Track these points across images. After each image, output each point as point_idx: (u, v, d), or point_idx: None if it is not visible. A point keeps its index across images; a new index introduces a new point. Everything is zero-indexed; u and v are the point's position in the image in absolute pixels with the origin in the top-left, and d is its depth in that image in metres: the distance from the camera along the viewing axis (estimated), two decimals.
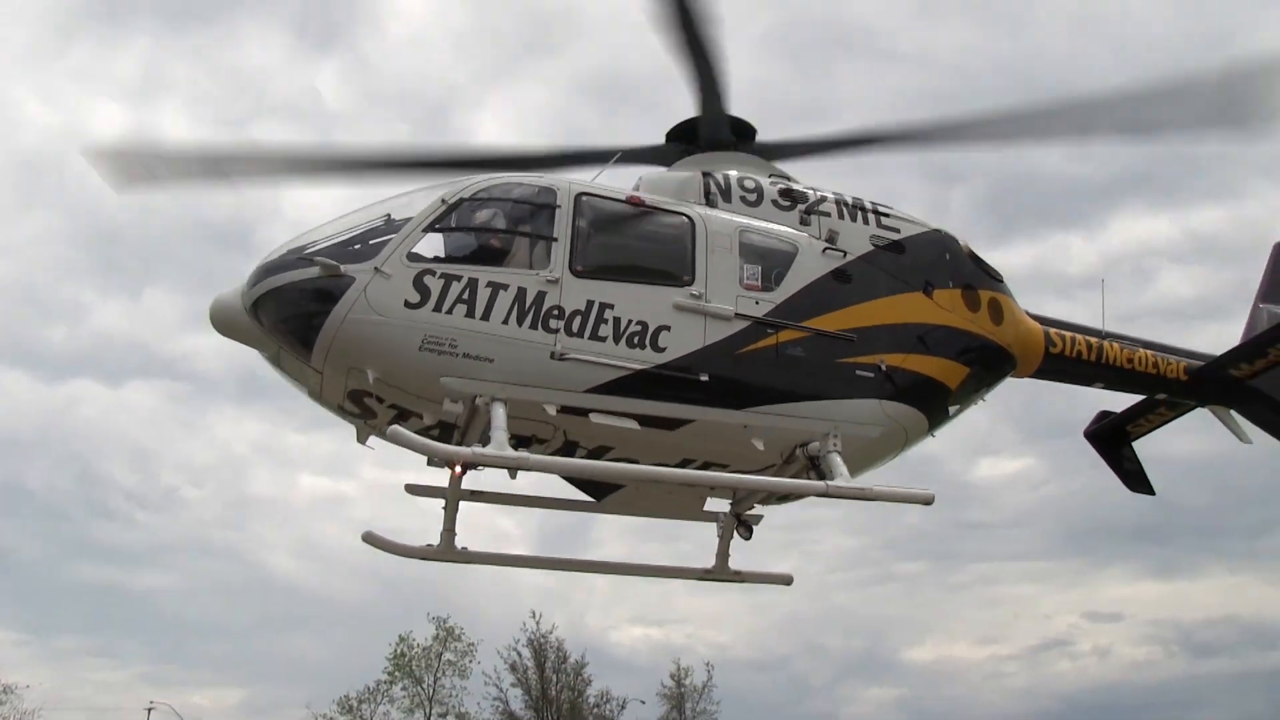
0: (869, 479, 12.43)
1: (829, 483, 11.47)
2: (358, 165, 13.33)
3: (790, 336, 11.99)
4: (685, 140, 13.83)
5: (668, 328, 11.48)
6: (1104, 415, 17.62)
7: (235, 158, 13.73)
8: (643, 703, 65.54)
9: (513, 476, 12.44)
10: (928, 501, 11.77)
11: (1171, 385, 15.95)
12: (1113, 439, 17.54)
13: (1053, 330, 14.93)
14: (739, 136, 13.76)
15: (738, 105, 13.52)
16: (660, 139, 14.11)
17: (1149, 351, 15.70)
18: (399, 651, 62.52)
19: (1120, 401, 16.95)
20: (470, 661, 62.36)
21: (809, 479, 11.79)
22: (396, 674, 62.49)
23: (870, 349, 12.40)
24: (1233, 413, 16.58)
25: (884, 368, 12.39)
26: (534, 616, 63.58)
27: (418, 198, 11.68)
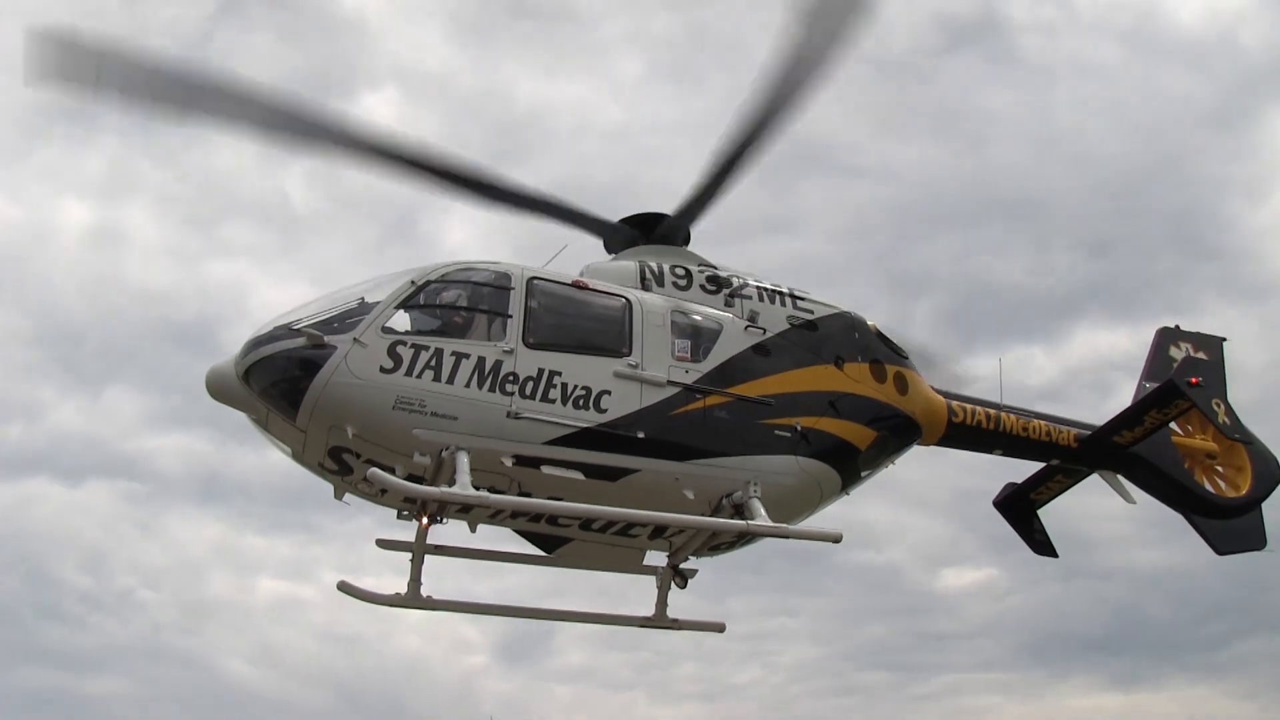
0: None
1: (749, 522, 13.12)
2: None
3: (716, 401, 13.74)
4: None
5: (609, 392, 13.18)
6: (1010, 486, 19.45)
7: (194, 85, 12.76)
8: None
9: (472, 529, 14.02)
10: (836, 539, 13.43)
11: (1063, 452, 17.83)
12: (1019, 507, 19.34)
13: (955, 402, 16.81)
14: (645, 229, 15.81)
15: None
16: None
17: (1042, 421, 17.61)
18: None
19: (1021, 471, 18.84)
20: None
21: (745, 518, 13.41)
22: None
23: (787, 412, 14.16)
24: (1120, 477, 18.45)
25: (799, 428, 14.15)
26: None
27: (387, 281, 13.39)
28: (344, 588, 13.74)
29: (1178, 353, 20.47)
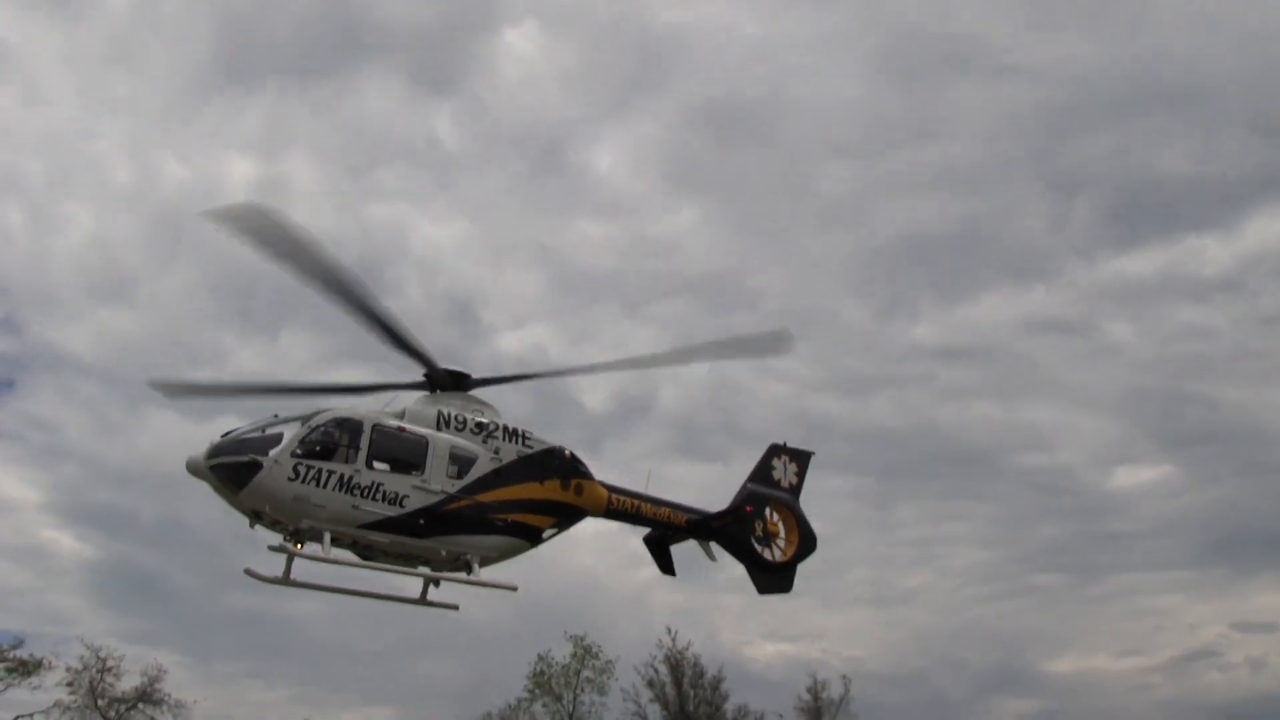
0: (500, 570, 26.27)
1: (468, 574, 25.10)
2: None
3: (465, 503, 25.33)
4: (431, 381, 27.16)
5: (408, 495, 24.62)
6: (654, 531, 31.70)
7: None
8: (780, 717, 69.65)
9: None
10: (513, 589, 25.63)
11: (675, 527, 30.46)
12: (659, 544, 31.66)
13: (614, 496, 28.85)
14: (459, 379, 27.13)
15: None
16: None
17: (665, 509, 29.96)
18: (539, 670, 66.88)
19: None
20: (608, 679, 66.73)
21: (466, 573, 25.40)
22: (537, 691, 66.52)
23: (503, 511, 25.89)
24: (712, 544, 31.12)
25: (509, 519, 26.01)
26: (670, 633, 68.77)
27: (299, 418, 24.16)
28: (249, 572, 24.90)
29: (778, 463, 33.10)
